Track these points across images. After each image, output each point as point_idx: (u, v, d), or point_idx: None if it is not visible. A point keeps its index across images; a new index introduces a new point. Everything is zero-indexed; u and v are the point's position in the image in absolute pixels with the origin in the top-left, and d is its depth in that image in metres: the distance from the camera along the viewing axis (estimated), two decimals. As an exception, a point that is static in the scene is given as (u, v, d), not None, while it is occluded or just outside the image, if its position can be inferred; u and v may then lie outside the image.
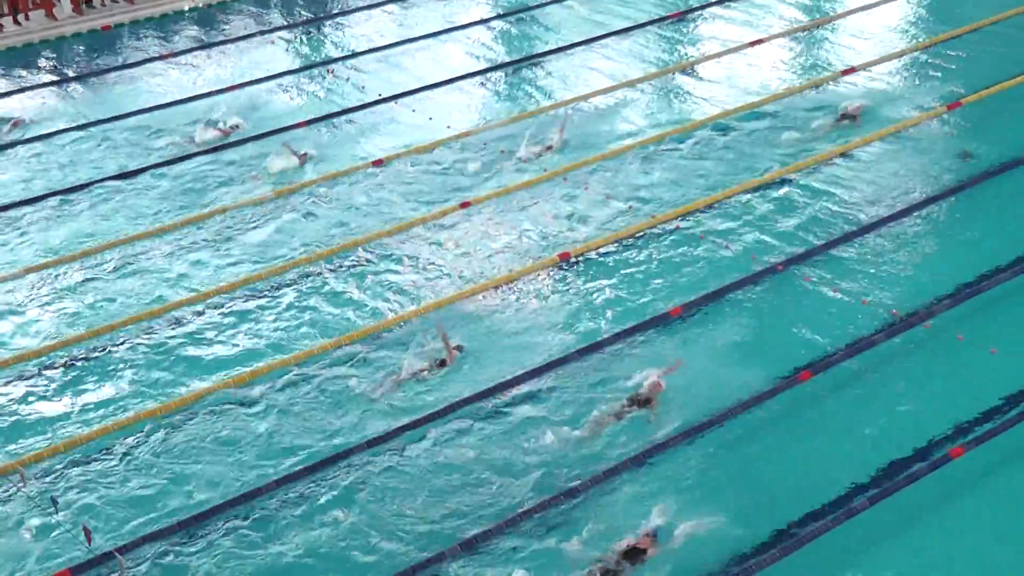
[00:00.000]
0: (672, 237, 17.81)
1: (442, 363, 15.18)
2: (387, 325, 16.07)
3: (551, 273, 17.11)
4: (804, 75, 22.71)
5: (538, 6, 26.68)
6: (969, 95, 21.37)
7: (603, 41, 24.64)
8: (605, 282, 16.81)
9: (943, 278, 16.57)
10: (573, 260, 17.33)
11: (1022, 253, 16.99)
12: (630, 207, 18.61)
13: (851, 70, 22.55)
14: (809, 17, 25.48)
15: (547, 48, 24.39)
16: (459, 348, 15.43)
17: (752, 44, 24.00)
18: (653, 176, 19.43)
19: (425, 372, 15.04)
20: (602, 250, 17.57)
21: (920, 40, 23.89)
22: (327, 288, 16.96)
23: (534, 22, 26.00)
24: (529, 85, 23.01)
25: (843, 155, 19.75)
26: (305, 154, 20.45)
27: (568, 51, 24.26)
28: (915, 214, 18.07)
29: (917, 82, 22.08)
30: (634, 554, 12.13)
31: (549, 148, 20.27)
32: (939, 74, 22.25)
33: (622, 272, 17.03)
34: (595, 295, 16.58)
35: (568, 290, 16.74)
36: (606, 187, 19.20)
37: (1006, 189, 18.72)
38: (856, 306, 16.06)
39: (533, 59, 24.01)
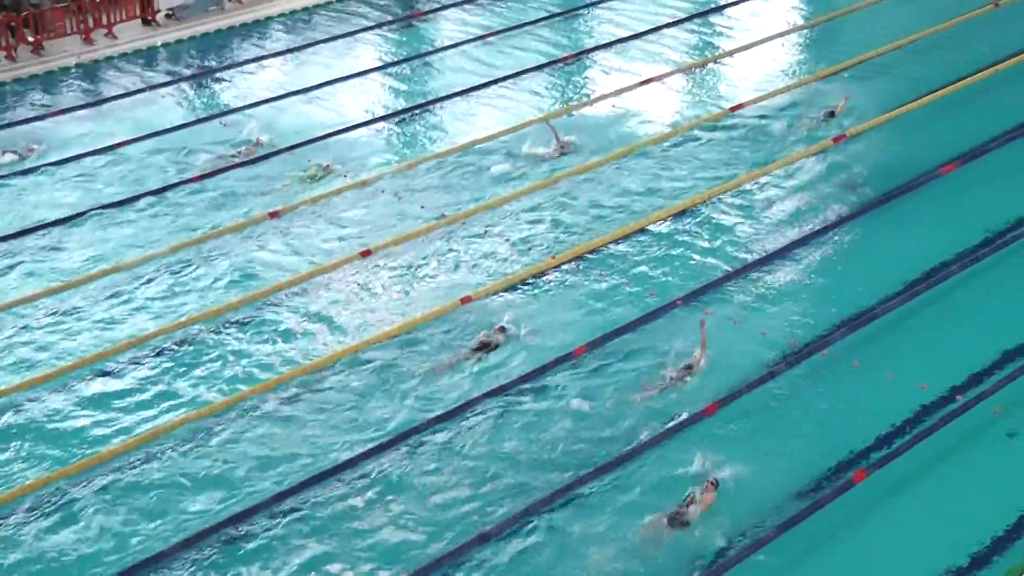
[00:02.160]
0: (575, 275, 18.07)
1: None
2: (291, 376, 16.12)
3: (452, 315, 17.24)
4: (694, 111, 23.17)
5: (433, 51, 26.89)
6: (854, 128, 22.01)
7: (496, 85, 24.92)
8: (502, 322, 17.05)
9: (838, 307, 17.04)
10: (475, 303, 17.52)
11: (911, 279, 17.55)
12: (529, 248, 18.83)
13: (740, 106, 23.08)
14: (698, 56, 26.03)
15: (440, 95, 24.56)
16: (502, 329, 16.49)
17: (643, 83, 24.44)
18: (543, 222, 19.71)
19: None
20: (502, 295, 17.77)
21: (803, 76, 24.52)
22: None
23: (427, 68, 26.20)
24: (425, 129, 23.14)
25: (733, 191, 20.20)
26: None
27: (460, 96, 24.47)
28: (807, 245, 18.55)
29: (802, 117, 22.65)
30: (690, 503, 13.54)
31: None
32: (821, 109, 22.84)
33: (520, 311, 17.26)
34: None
35: (466, 332, 16.88)
36: (503, 232, 19.41)
37: (892, 217, 19.31)
38: (756, 337, 16.43)
39: (426, 105, 24.16)
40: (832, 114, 22.48)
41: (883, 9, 27.85)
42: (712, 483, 13.69)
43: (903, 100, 22.96)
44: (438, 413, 15.21)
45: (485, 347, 16.42)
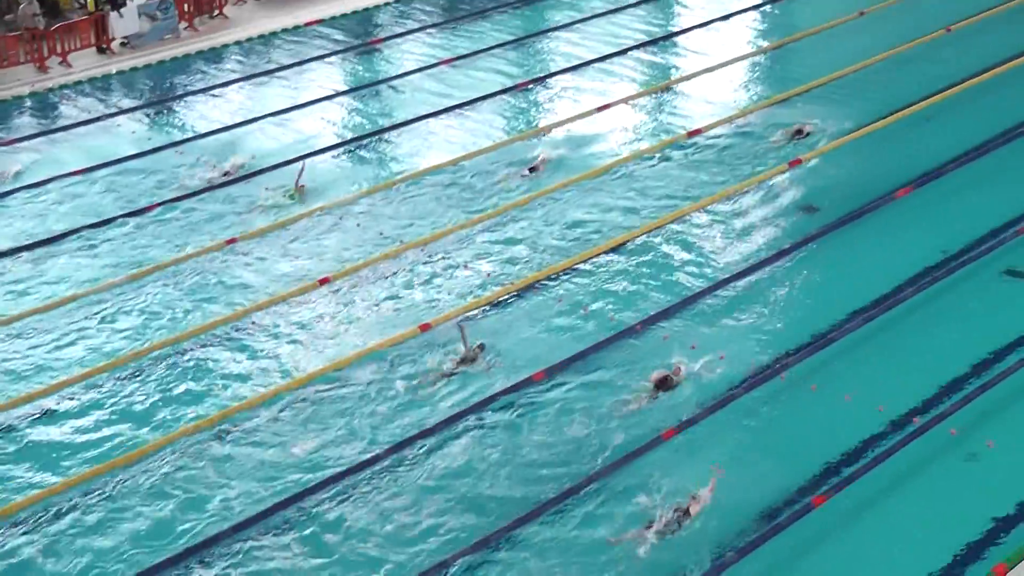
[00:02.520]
0: (532, 301, 18.07)
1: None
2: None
3: (411, 344, 17.20)
4: (651, 138, 23.26)
5: (394, 77, 26.92)
6: (809, 152, 22.17)
7: (456, 111, 24.94)
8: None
9: (796, 330, 17.13)
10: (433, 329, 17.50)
11: (867, 302, 17.67)
12: (488, 275, 18.83)
13: (697, 131, 23.21)
14: (653, 82, 26.18)
15: (400, 121, 24.56)
16: (480, 347, 16.62)
17: (600, 109, 24.54)
18: (504, 245, 19.73)
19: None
20: (459, 318, 17.75)
21: (755, 102, 24.69)
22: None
23: (387, 94, 26.20)
24: (384, 155, 23.11)
25: (689, 215, 20.29)
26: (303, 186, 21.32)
27: (420, 122, 24.46)
28: (765, 269, 18.65)
29: (758, 142, 22.82)
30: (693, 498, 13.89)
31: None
32: (778, 134, 23.00)
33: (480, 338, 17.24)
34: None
35: (422, 362, 16.84)
36: (463, 257, 19.41)
37: (848, 241, 19.44)
38: (714, 361, 16.47)
39: (386, 131, 24.14)
40: (800, 132, 22.81)
41: (838, 34, 28.10)
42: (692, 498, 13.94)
43: (858, 124, 23.18)
44: (380, 450, 15.14)
45: (468, 362, 16.57)
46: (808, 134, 22.77)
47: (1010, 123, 22.85)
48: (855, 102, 24.06)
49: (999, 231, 19.37)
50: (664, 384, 15.81)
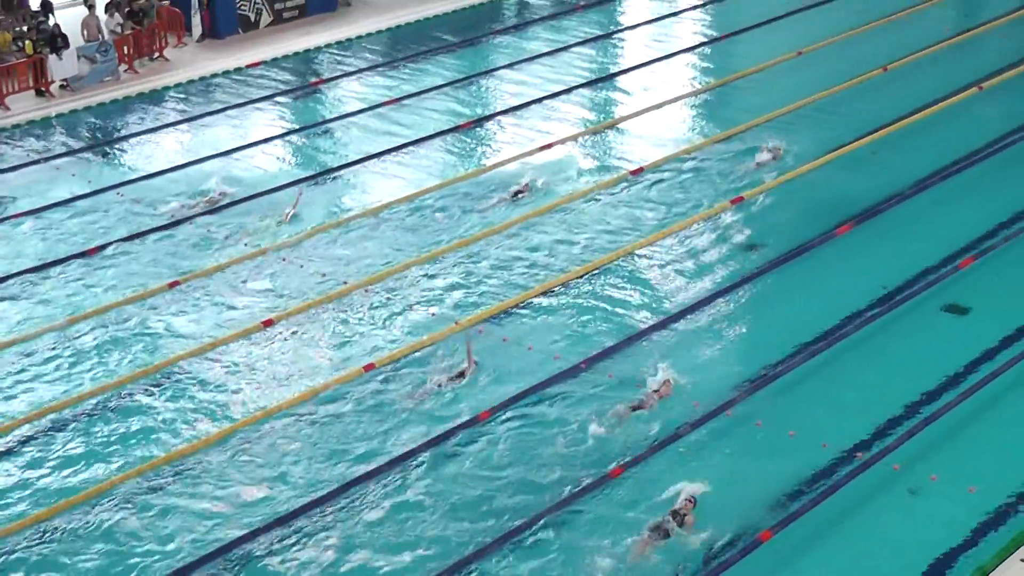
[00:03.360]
0: (475, 340, 18.09)
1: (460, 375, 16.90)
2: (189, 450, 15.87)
3: (354, 383, 17.14)
4: (594, 176, 23.39)
5: (337, 118, 26.92)
6: (752, 189, 22.40)
7: (399, 151, 24.96)
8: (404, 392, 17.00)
9: (739, 367, 17.25)
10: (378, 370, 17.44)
11: (810, 339, 17.83)
12: (432, 314, 18.84)
13: (640, 170, 23.39)
14: (595, 121, 26.38)
15: (342, 162, 24.54)
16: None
17: (542, 148, 24.67)
18: (447, 284, 19.74)
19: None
20: (407, 358, 17.72)
21: (697, 141, 24.92)
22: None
23: (330, 135, 26.20)
24: (326, 196, 23.04)
25: (629, 254, 20.42)
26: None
27: (362, 164, 24.46)
28: (707, 307, 18.77)
29: (700, 180, 23.02)
30: (678, 516, 14.22)
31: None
32: (719, 172, 23.25)
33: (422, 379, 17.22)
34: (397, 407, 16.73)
35: (373, 401, 16.82)
36: (408, 297, 19.41)
37: (789, 278, 19.63)
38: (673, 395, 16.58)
39: (327, 173, 24.12)
40: (773, 156, 23.44)
41: (778, 73, 28.48)
42: (690, 501, 14.33)
43: (800, 161, 23.48)
44: (325, 492, 15.07)
45: (461, 376, 17.00)
46: (755, 169, 23.02)
47: (947, 160, 23.24)
48: (796, 140, 24.36)
49: (938, 267, 19.65)
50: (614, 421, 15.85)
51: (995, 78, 27.16)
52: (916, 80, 27.47)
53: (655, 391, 16.48)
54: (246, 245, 21.11)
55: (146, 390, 17.17)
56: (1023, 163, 23.39)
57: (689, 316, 18.52)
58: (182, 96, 28.50)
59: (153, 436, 16.19)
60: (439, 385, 16.91)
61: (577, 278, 19.70)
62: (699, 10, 33.69)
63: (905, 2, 32.57)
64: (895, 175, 22.79)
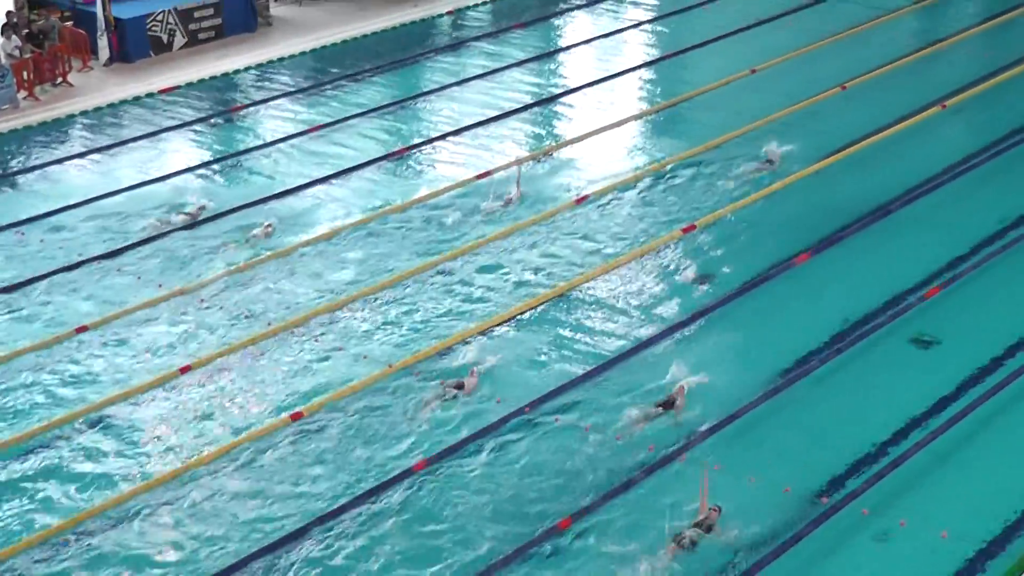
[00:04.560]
0: (404, 382, 18.09)
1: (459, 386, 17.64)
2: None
3: (280, 434, 17.08)
4: (534, 207, 23.43)
5: (256, 147, 26.84)
6: (703, 217, 22.59)
7: (323, 183, 24.93)
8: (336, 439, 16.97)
9: (695, 409, 17.32)
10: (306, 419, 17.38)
11: (770, 376, 17.98)
12: (365, 358, 18.80)
13: (584, 198, 23.50)
14: (537, 145, 26.49)
15: (256, 196, 24.43)
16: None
17: (480, 176, 24.73)
18: (375, 325, 19.72)
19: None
20: (338, 403, 17.68)
21: (645, 166, 25.07)
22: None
23: (249, 166, 26.10)
24: (241, 232, 22.93)
25: (578, 286, 20.50)
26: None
27: (287, 195, 24.40)
28: (659, 345, 18.87)
29: (647, 208, 23.18)
30: (703, 524, 14.90)
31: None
32: (672, 199, 23.43)
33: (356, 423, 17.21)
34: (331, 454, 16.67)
35: (300, 451, 16.75)
36: (335, 339, 19.37)
37: (747, 310, 19.79)
38: (611, 443, 16.59)
39: (252, 205, 24.02)
40: (771, 162, 24.14)
41: (730, 93, 28.76)
42: (716, 509, 14.93)
43: (752, 188, 23.69)
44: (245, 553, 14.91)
45: (460, 387, 17.67)
46: (706, 196, 23.24)
47: (910, 183, 23.55)
48: (750, 163, 24.60)
49: (904, 296, 19.89)
50: None
51: (959, 95, 27.61)
52: (876, 99, 27.85)
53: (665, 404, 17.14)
54: (161, 287, 20.96)
55: (49, 447, 16.99)
56: (990, 185, 23.69)
57: (639, 354, 18.62)
58: (88, 125, 28.30)
59: (58, 496, 16.04)
60: (439, 399, 17.45)
61: (517, 316, 19.74)
62: (645, 27, 33.97)
63: (862, 17, 33.01)
64: (855, 200, 23.06)
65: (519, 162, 25.17)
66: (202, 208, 23.62)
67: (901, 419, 16.99)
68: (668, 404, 17.23)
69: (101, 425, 17.44)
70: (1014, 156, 24.82)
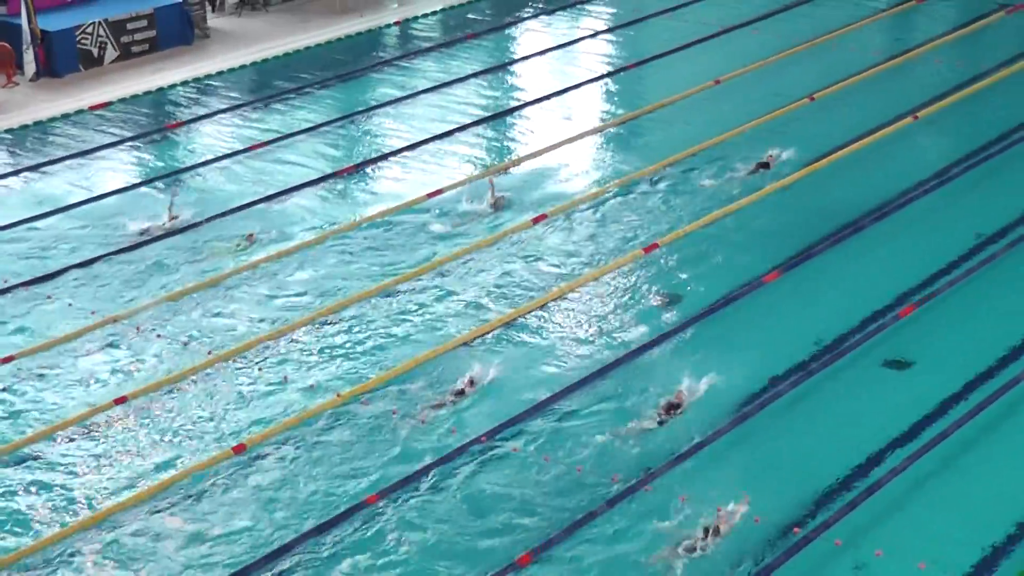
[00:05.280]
0: (354, 409, 18.11)
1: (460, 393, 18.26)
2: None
3: (222, 467, 17.03)
4: (489, 227, 23.46)
5: (194, 165, 26.76)
6: (667, 235, 22.70)
7: (269, 200, 24.90)
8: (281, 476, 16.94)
9: (659, 436, 17.40)
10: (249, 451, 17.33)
11: (738, 400, 18.08)
12: (313, 386, 18.77)
13: (542, 217, 23.56)
14: (490, 161, 26.53)
15: (204, 216, 24.36)
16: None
17: (431, 195, 24.74)
18: (320, 353, 19.73)
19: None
20: (285, 434, 17.65)
21: (604, 182, 25.18)
22: None
23: (184, 186, 26.02)
24: (175, 258, 22.85)
25: (535, 310, 20.57)
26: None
27: (226, 216, 24.32)
28: (622, 369, 18.94)
29: (608, 227, 23.27)
30: (714, 529, 15.33)
31: None
32: (633, 217, 23.54)
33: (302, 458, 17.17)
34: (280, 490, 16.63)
35: (243, 486, 16.71)
36: (280, 367, 19.33)
37: (714, 332, 19.88)
38: (571, 474, 16.62)
39: (189, 228, 23.94)
40: (766, 165, 24.57)
41: (694, 105, 28.96)
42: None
43: (717, 204, 23.85)
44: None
45: (460, 395, 18.18)
46: (669, 213, 23.38)
47: (882, 197, 23.81)
48: (719, 178, 24.76)
49: (877, 316, 20.05)
50: None
51: (931, 106, 27.94)
52: (846, 110, 28.13)
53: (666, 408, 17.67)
54: (94, 313, 20.86)
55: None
56: (964, 199, 23.98)
57: (603, 379, 18.68)
58: (14, 144, 28.11)
59: (-14, 537, 15.92)
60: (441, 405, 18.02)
61: (465, 344, 19.78)
62: (603, 37, 34.19)
63: (831, 25, 33.34)
64: (825, 216, 23.27)
65: (493, 172, 25.49)
66: (145, 230, 23.52)
67: (875, 444, 17.10)
68: (673, 407, 17.70)
69: (25, 464, 17.28)
70: (989, 168, 25.15)
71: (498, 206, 23.96)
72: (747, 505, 15.74)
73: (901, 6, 34.91)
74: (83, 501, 16.53)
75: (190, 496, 16.53)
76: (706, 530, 15.30)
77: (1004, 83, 29.44)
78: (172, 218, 23.96)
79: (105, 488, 16.75)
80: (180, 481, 16.77)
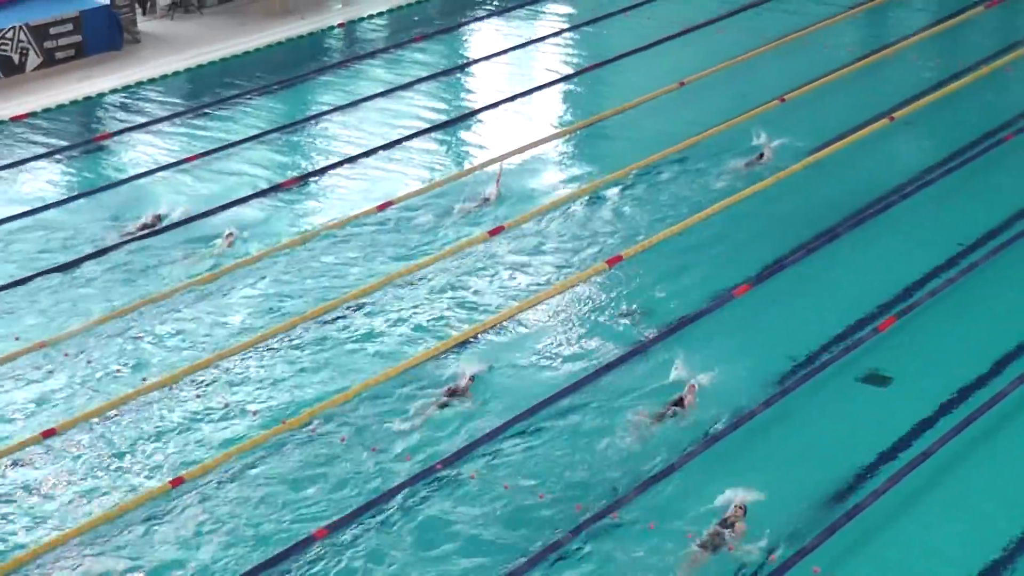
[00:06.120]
0: (300, 438, 18.13)
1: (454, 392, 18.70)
2: None
3: (158, 502, 16.98)
4: (441, 240, 23.46)
5: (125, 179, 26.68)
6: (632, 247, 22.80)
7: (205, 217, 24.85)
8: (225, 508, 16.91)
9: (626, 462, 17.46)
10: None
11: (704, 425, 18.13)
12: (255, 415, 18.74)
13: (499, 229, 23.59)
14: (443, 171, 26.50)
15: (137, 234, 24.28)
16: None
17: (381, 208, 24.75)
18: (261, 382, 19.72)
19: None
20: (225, 465, 17.65)
21: (563, 193, 25.24)
22: None
23: (115, 201, 25.92)
24: (112, 277, 22.81)
25: (502, 326, 20.64)
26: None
27: (161, 235, 24.27)
28: (586, 390, 19.00)
29: (569, 238, 23.35)
30: (728, 526, 15.91)
31: None
32: (596, 227, 23.64)
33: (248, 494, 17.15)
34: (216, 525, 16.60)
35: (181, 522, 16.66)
36: (221, 394, 19.30)
37: (681, 349, 19.89)
38: (533, 503, 16.68)
39: (118, 247, 23.87)
40: (760, 157, 25.18)
41: (658, 108, 29.09)
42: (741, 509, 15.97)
43: (693, 209, 24.01)
44: None
45: (454, 394, 18.58)
46: (635, 224, 23.52)
47: (858, 204, 24.02)
48: (679, 187, 24.88)
49: (854, 330, 20.19)
50: None
51: (907, 107, 28.18)
52: (819, 112, 28.33)
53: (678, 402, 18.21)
54: (18, 339, 20.77)
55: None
56: (944, 205, 24.18)
57: (564, 399, 18.74)
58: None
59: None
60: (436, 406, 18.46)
61: (423, 362, 19.81)
62: (561, 37, 34.30)
63: (801, 22, 33.58)
64: (798, 224, 23.42)
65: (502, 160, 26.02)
66: (75, 248, 23.39)
67: (853, 466, 17.21)
68: (678, 403, 18.19)
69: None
70: (970, 172, 25.35)
71: (492, 198, 24.50)
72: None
73: (875, 1, 35.16)
74: (8, 541, 16.42)
75: (123, 534, 16.44)
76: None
77: (984, 81, 29.73)
78: (125, 234, 23.99)
79: (24, 530, 16.64)
80: (114, 518, 16.68)
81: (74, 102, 30.65)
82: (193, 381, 19.60)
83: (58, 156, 28.10)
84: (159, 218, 24.57)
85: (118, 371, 19.91)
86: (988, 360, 19.41)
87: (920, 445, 17.55)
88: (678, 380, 18.84)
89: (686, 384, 18.50)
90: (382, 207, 24.74)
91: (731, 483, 16.82)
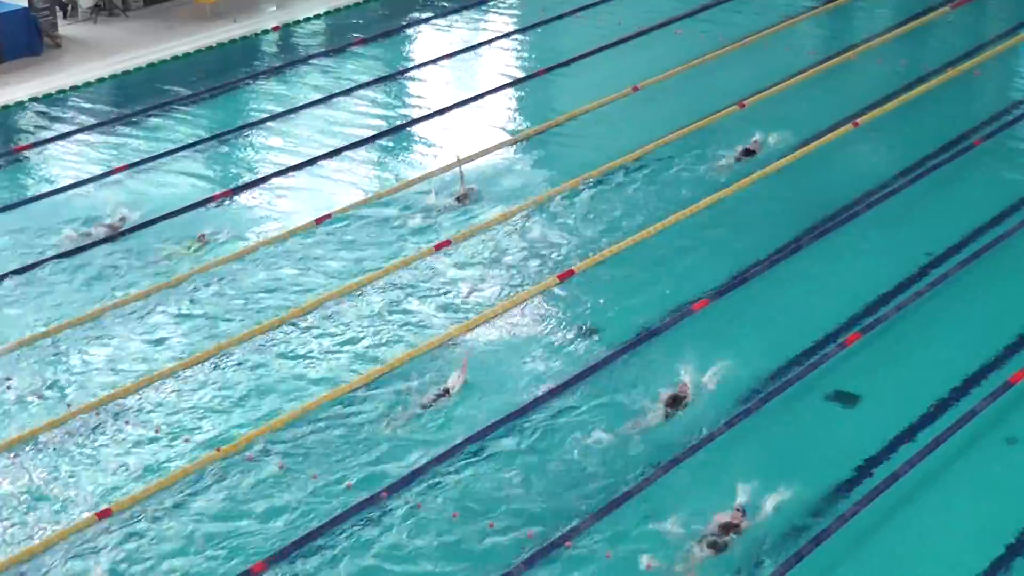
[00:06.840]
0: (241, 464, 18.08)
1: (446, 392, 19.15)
2: None
3: (84, 536, 16.88)
4: (381, 257, 23.44)
5: (46, 193, 26.53)
6: (585, 260, 22.86)
7: (131, 233, 24.74)
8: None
9: (583, 486, 17.51)
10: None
11: (663, 448, 18.17)
12: (186, 440, 18.66)
13: (446, 243, 23.58)
14: (382, 184, 26.48)
15: (60, 251, 24.17)
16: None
17: (319, 221, 24.72)
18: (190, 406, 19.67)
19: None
20: (157, 496, 17.57)
21: (512, 205, 25.23)
22: None
23: (36, 215, 25.79)
24: (34, 294, 22.69)
25: (442, 344, 20.68)
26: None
27: (87, 251, 24.15)
28: (543, 409, 19.06)
29: (519, 254, 23.38)
30: (729, 527, 16.42)
31: None
32: (547, 240, 23.71)
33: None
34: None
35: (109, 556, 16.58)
36: (150, 421, 19.21)
37: (637, 367, 20.01)
38: (483, 530, 16.69)
39: (39, 264, 23.72)
40: (749, 152, 25.87)
41: (612, 114, 29.19)
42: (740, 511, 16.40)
43: (649, 220, 24.10)
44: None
45: (446, 393, 19.08)
46: (588, 238, 23.57)
47: (821, 214, 24.19)
48: (633, 200, 24.95)
49: (819, 346, 20.31)
50: None
51: (872, 112, 28.39)
52: (779, 118, 28.42)
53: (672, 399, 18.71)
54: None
55: None
56: (911, 214, 24.34)
57: (523, 417, 18.81)
58: None
59: None
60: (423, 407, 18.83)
61: (361, 386, 19.80)
62: (508, 40, 34.33)
63: (761, 23, 33.77)
64: (758, 236, 23.53)
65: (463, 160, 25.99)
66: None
67: (823, 487, 17.33)
68: (676, 401, 18.63)
69: None
70: (937, 179, 25.58)
71: (465, 199, 24.68)
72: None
73: (837, 1, 35.42)
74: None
75: (46, 571, 16.32)
76: None
77: (951, 84, 29.99)
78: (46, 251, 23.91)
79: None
80: (36, 554, 16.57)
81: (-11, 113, 30.51)
82: (120, 406, 19.50)
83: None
84: (85, 235, 24.42)
85: (39, 397, 19.78)
86: (960, 376, 19.64)
87: (890, 465, 17.69)
88: (633, 401, 18.91)
89: (646, 403, 18.67)
90: (320, 220, 24.69)
91: (700, 501, 16.95)
